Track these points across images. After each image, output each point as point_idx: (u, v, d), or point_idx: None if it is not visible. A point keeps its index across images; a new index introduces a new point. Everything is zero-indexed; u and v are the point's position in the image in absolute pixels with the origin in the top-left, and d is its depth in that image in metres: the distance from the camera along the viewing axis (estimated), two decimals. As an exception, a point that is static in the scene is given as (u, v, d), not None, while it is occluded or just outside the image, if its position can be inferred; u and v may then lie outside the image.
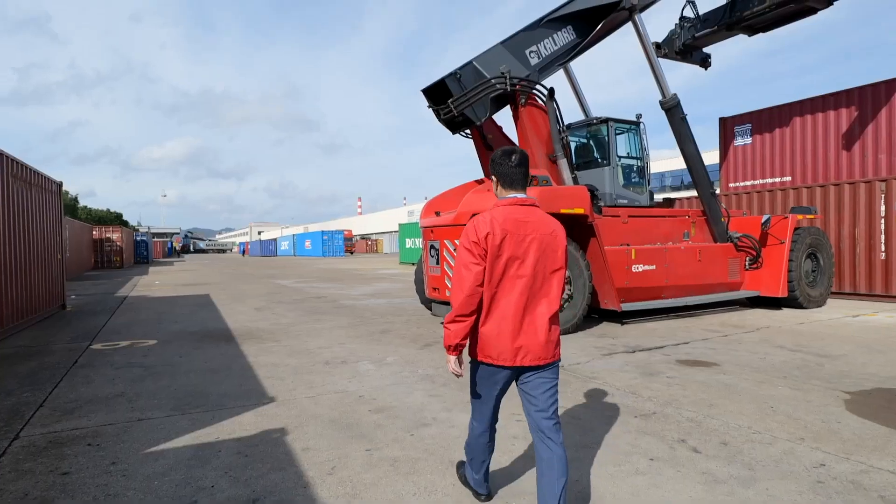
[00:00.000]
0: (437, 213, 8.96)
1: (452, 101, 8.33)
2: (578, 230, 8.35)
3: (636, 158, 9.85)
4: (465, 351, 2.62)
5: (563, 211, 7.83)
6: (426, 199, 10.45)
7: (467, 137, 9.81)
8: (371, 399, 4.82)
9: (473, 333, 2.55)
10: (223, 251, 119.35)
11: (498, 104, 8.75)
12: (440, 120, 8.91)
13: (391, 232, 79.32)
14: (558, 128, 8.83)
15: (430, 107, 8.92)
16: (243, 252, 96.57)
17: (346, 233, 68.61)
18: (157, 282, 21.54)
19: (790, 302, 10.10)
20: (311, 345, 7.49)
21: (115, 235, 34.81)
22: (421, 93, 8.94)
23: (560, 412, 4.20)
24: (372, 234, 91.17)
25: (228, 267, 36.57)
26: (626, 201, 9.54)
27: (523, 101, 8.62)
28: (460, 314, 2.46)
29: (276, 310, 11.69)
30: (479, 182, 9.51)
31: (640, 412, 4.35)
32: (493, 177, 2.63)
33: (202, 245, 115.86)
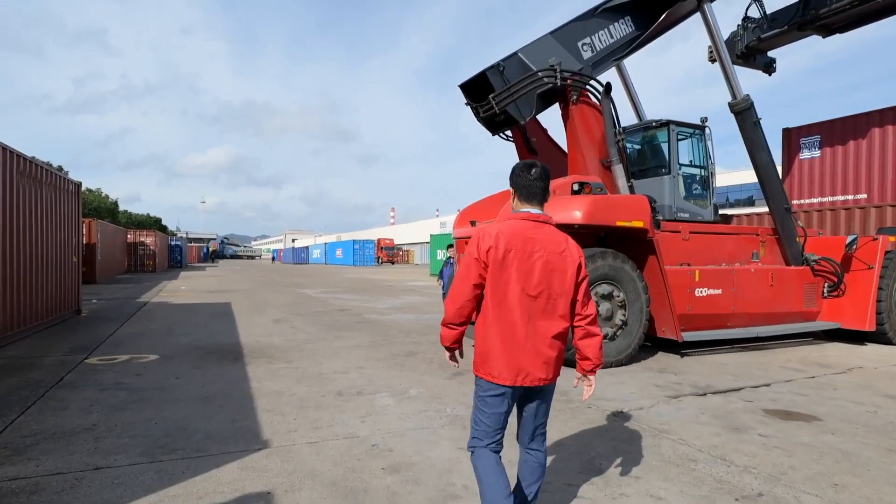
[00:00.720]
0: (473, 223, 8.01)
1: (494, 97, 7.39)
2: (634, 247, 7.26)
3: (700, 167, 8.69)
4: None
5: (619, 224, 6.77)
6: (458, 210, 9.46)
7: (508, 140, 8.88)
8: (386, 450, 3.85)
9: (480, 349, 2.45)
10: (252, 258, 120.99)
11: (545, 102, 7.76)
12: (479, 119, 7.97)
13: (423, 243, 78.79)
14: (614, 129, 7.77)
15: (467, 104, 8.00)
16: (274, 259, 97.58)
17: (387, 241, 67.80)
18: (183, 287, 21.18)
19: (877, 337, 8.71)
20: (326, 368, 6.59)
21: (148, 239, 35.03)
22: (459, 88, 8.03)
23: (632, 482, 3.35)
24: (404, 244, 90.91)
25: (258, 273, 36.38)
26: (687, 215, 8.38)
27: (575, 98, 7.61)
28: (451, 322, 2.48)
29: (294, 322, 10.88)
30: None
31: (742, 492, 3.25)
32: (511, 188, 2.56)
33: (232, 251, 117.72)
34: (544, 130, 8.95)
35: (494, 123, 8.08)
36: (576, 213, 6.67)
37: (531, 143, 8.64)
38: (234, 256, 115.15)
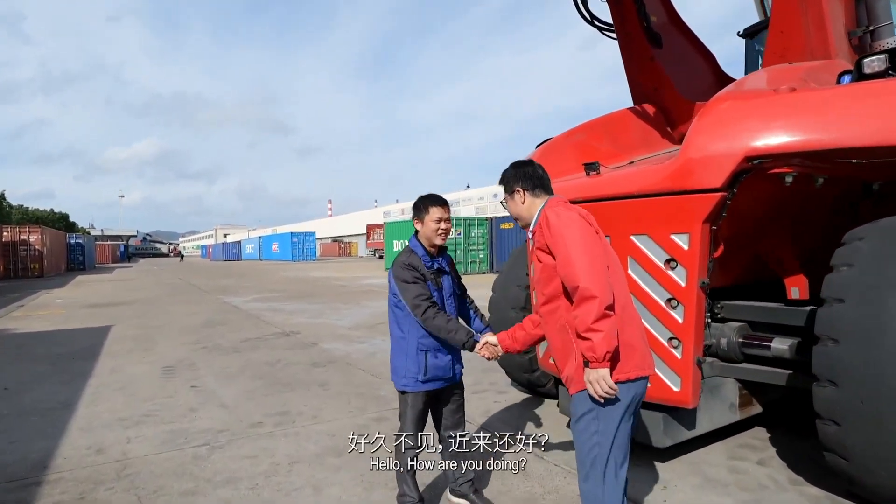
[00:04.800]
0: (593, 168, 3.63)
1: None
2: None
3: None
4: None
5: None
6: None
7: (606, 29, 4.77)
8: None
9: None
10: (165, 255, 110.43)
11: None
12: None
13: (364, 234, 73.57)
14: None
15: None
16: (203, 256, 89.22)
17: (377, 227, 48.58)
18: (58, 300, 15.61)
19: None
20: None
21: (33, 237, 28.35)
22: None
23: None
24: (344, 236, 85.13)
25: (176, 275, 30.41)
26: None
27: None
28: (608, 304, 1.88)
29: (199, 374, 6.17)
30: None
31: None
32: (513, 187, 2.28)
33: (133, 249, 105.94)
34: (670, 6, 4.75)
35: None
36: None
37: (651, 22, 4.45)
38: (144, 255, 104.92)
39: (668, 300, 3.00)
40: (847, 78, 3.02)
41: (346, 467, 3.47)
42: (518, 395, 5.05)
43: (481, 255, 23.92)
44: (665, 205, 2.92)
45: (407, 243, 2.83)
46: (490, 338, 2.57)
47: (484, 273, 23.26)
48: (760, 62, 5.36)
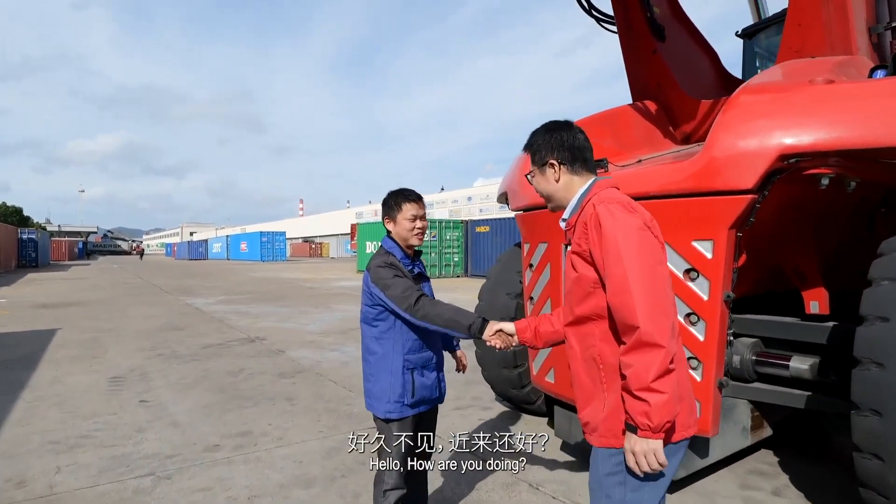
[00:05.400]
0: (601, 167, 3.26)
1: None
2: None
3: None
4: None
5: None
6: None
7: (606, 22, 4.48)
8: None
9: None
10: (127, 253, 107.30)
11: None
12: None
13: (339, 234, 72.55)
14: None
15: None
16: (170, 254, 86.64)
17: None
18: (2, 300, 14.57)
19: None
20: None
21: (-20, 232, 26.75)
22: None
23: None
24: (315, 236, 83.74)
25: (136, 274, 29.13)
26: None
27: None
28: (669, 354, 1.42)
29: (153, 387, 5.60)
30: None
31: None
32: (545, 157, 1.73)
33: (92, 246, 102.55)
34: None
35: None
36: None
37: (654, 13, 4.15)
38: (109, 252, 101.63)
39: (688, 315, 2.66)
40: (881, 73, 2.74)
41: (316, 502, 3.02)
42: (504, 412, 4.66)
43: (456, 259, 23.57)
44: (686, 208, 2.57)
45: (381, 244, 2.42)
46: (506, 325, 2.06)
47: (459, 276, 22.90)
48: (758, 63, 5.13)
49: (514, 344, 2.07)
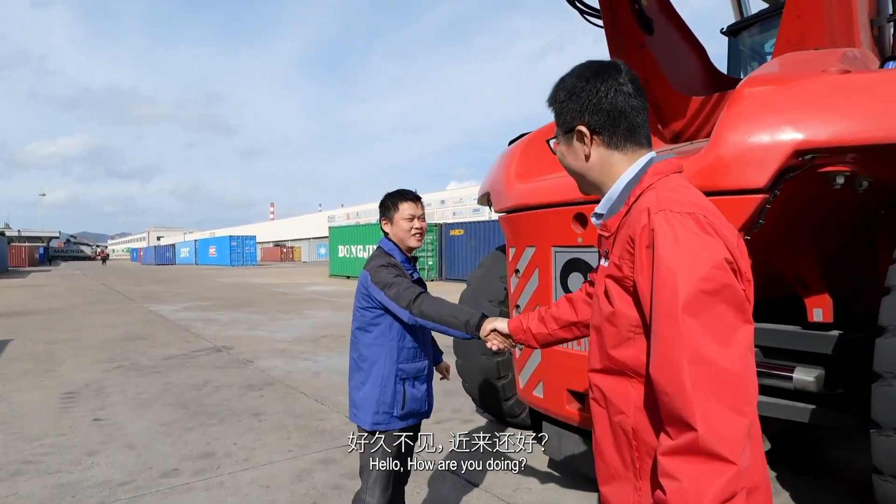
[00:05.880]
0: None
1: None
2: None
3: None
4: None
5: None
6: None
7: (590, 14, 4.32)
8: None
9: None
10: (91, 258, 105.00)
11: None
12: None
13: (311, 238, 71.46)
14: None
15: None
16: (136, 258, 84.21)
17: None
18: (-47, 308, 13.74)
19: None
20: None
21: (-69, 236, 25.37)
22: None
23: None
24: (287, 240, 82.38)
25: (99, 280, 28.02)
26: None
27: None
28: (740, 473, 0.89)
29: (109, 404, 5.19)
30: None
31: None
32: (573, 121, 1.17)
33: (54, 252, 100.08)
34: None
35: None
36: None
37: (642, 6, 4.00)
38: (72, 258, 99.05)
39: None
40: (893, 63, 2.59)
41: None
42: (486, 425, 4.42)
43: (430, 262, 23.31)
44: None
45: (379, 246, 2.26)
46: (499, 324, 1.76)
47: (433, 280, 22.64)
48: (741, 63, 5.04)
49: (511, 346, 1.79)
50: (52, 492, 3.23)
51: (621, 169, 1.15)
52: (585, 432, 2.89)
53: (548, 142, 1.36)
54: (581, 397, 2.88)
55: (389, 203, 2.20)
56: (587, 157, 1.17)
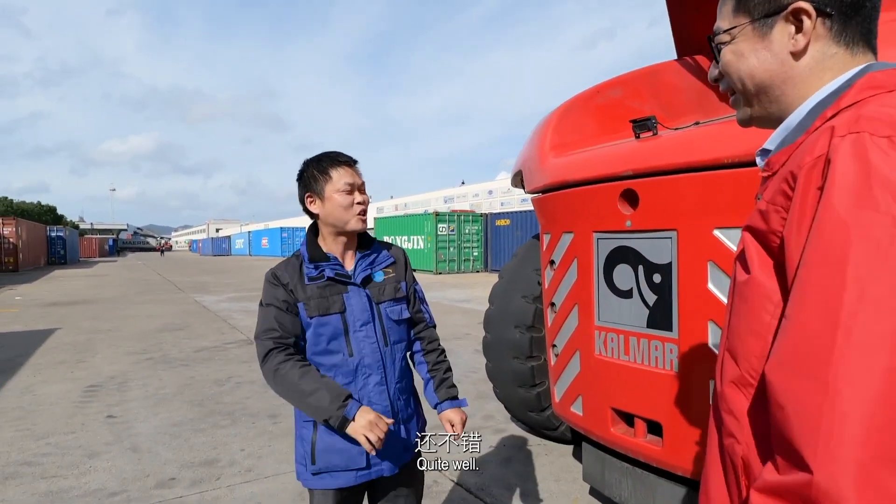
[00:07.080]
0: (645, 129, 2.46)
1: None
2: None
3: None
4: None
5: None
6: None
7: None
8: None
9: None
10: (155, 249, 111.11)
11: None
12: None
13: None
14: None
15: None
16: (191, 250, 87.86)
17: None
18: (18, 297, 14.36)
19: None
20: None
21: (7, 230, 26.99)
22: None
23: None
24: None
25: (156, 270, 29.11)
26: None
27: None
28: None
29: (127, 399, 4.99)
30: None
31: None
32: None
33: (122, 243, 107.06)
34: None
35: None
36: None
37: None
38: (138, 249, 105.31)
39: (777, 333, 1.87)
40: None
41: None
42: (521, 436, 3.91)
43: (475, 253, 22.78)
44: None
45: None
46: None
47: (478, 272, 22.13)
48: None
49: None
50: (40, 500, 2.97)
51: (831, 75, 0.74)
52: (637, 462, 2.33)
53: (709, 39, 0.86)
54: (629, 419, 2.33)
55: (315, 172, 1.57)
56: (797, 55, 0.75)
